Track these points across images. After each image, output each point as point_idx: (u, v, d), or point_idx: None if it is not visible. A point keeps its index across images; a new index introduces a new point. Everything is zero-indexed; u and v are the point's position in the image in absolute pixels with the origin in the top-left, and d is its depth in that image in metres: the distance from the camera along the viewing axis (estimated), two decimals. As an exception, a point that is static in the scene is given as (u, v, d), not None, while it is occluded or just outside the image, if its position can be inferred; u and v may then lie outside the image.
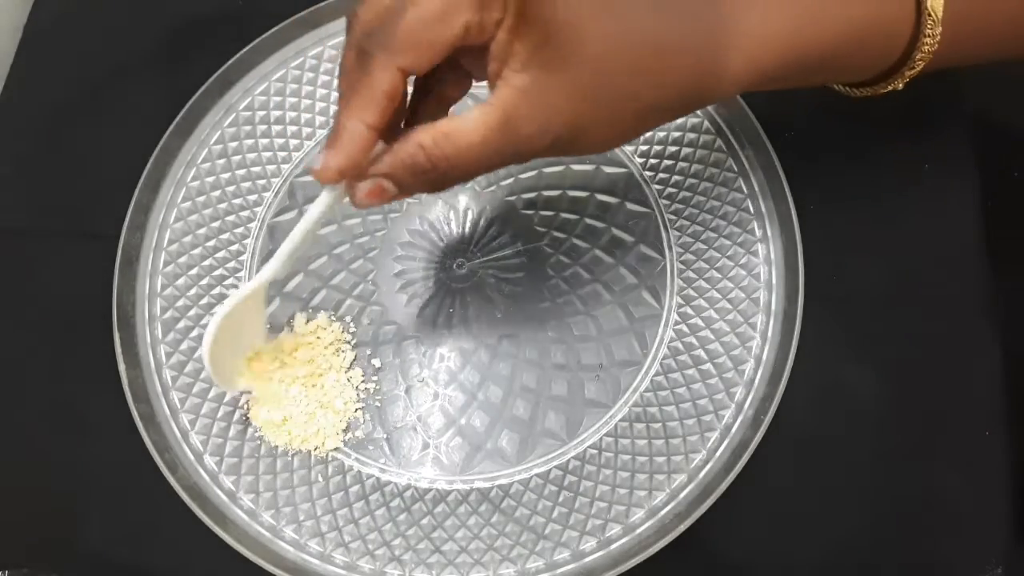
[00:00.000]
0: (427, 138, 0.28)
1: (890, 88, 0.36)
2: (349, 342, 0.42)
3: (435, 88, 0.32)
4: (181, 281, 0.44)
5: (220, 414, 0.42)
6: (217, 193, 0.45)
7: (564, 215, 0.44)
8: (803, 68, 0.33)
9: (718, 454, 0.40)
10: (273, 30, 0.47)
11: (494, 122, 0.28)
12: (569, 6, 0.28)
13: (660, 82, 0.30)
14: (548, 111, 0.28)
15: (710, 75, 0.31)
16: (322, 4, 0.47)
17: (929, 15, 0.33)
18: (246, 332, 0.38)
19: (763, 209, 0.44)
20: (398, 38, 0.26)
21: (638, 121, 0.31)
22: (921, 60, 0.34)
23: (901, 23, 0.33)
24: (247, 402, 0.41)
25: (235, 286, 0.44)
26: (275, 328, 0.42)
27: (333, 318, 0.43)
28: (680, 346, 0.42)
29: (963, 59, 0.36)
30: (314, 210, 0.32)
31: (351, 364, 0.42)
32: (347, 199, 0.31)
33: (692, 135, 0.45)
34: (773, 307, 0.42)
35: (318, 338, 0.42)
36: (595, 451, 0.41)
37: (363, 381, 0.42)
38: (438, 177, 0.29)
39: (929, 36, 0.33)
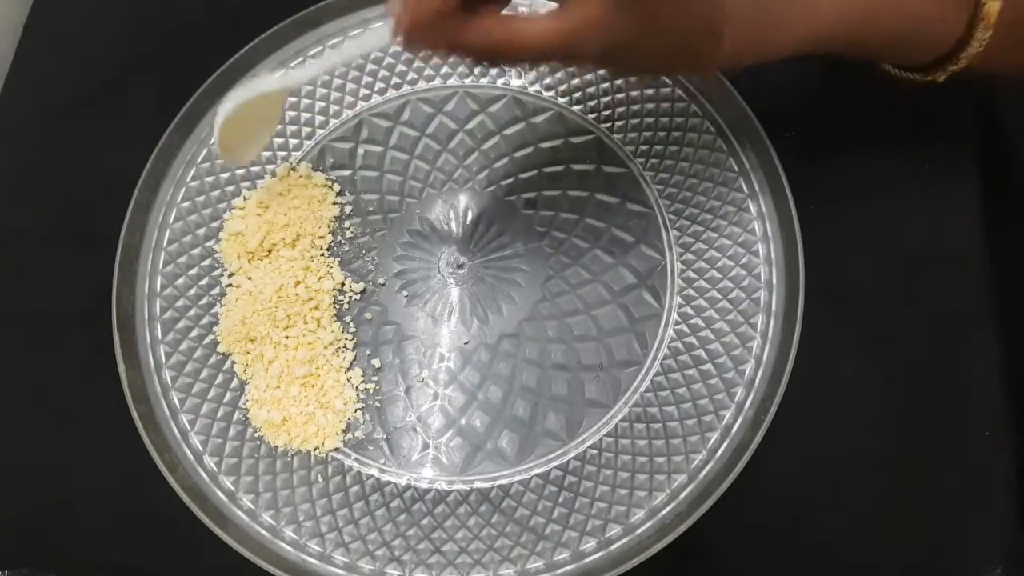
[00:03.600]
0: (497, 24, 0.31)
1: (930, 79, 0.38)
2: (349, 342, 0.42)
3: None
4: (181, 281, 0.44)
5: (220, 414, 0.42)
6: (217, 193, 0.45)
7: (564, 215, 0.44)
8: (854, 44, 0.36)
9: (718, 454, 0.40)
10: (273, 30, 0.47)
11: (560, 33, 0.30)
12: None
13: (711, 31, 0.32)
14: (611, 34, 0.30)
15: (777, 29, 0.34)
16: (322, 4, 0.47)
17: (982, 19, 0.34)
18: (259, 120, 0.42)
19: (763, 209, 0.44)
20: None
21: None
22: (965, 59, 0.36)
23: (955, 23, 0.35)
24: (247, 402, 0.41)
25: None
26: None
27: (333, 318, 0.43)
28: (680, 346, 0.42)
29: (1007, 67, 0.38)
30: (368, 40, 0.35)
31: (351, 364, 0.42)
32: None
33: (692, 135, 0.45)
34: (773, 307, 0.42)
35: (318, 338, 0.42)
36: (595, 451, 0.41)
37: (363, 381, 0.42)
38: (493, 55, 0.31)
39: (978, 39, 0.35)
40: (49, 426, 0.42)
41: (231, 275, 0.43)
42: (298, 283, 0.42)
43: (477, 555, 0.39)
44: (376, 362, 0.42)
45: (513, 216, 0.45)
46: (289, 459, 0.41)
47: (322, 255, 0.44)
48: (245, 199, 0.45)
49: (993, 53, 0.35)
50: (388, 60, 0.47)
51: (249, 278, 0.43)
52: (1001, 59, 0.36)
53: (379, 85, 0.47)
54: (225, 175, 0.46)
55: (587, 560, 0.39)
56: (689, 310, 0.43)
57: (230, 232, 0.44)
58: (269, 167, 0.46)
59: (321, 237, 0.44)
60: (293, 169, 0.45)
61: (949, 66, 0.36)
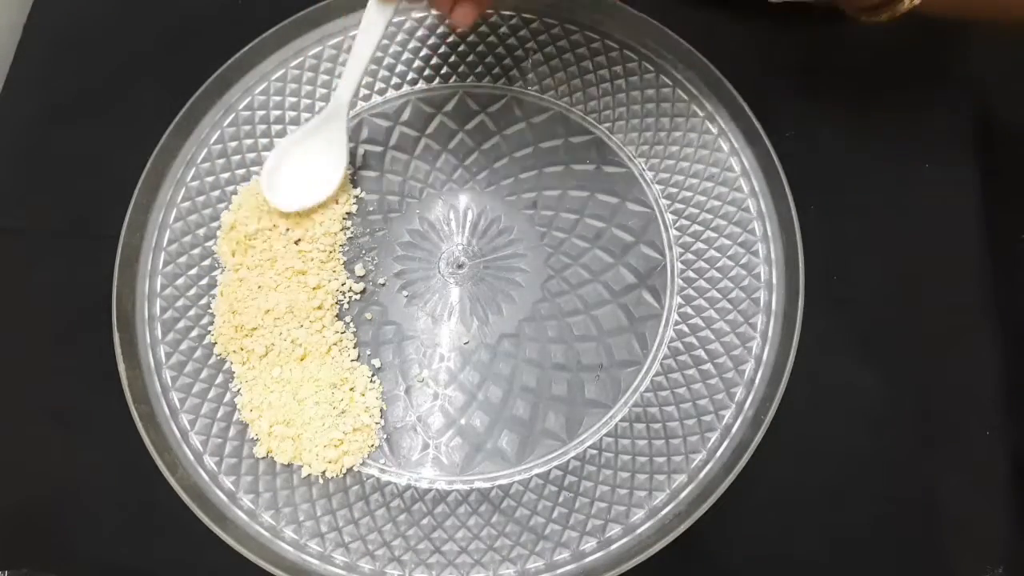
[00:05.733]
0: None
1: (886, 16, 0.36)
2: (349, 342, 0.42)
3: None
4: (181, 281, 0.44)
5: (220, 414, 0.42)
6: (217, 193, 0.45)
7: (564, 215, 0.44)
8: None
9: (718, 454, 0.40)
10: (273, 30, 0.47)
11: None
12: None
13: None
14: None
15: None
16: (322, 4, 0.47)
17: None
18: (322, 159, 0.43)
19: (763, 209, 0.44)
20: None
21: None
22: None
23: None
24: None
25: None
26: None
27: (335, 318, 0.43)
28: (680, 346, 0.42)
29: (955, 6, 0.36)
30: (374, 28, 0.39)
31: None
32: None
33: (692, 135, 0.45)
34: (773, 307, 0.42)
35: (324, 338, 0.42)
36: (595, 451, 0.41)
37: (363, 381, 0.42)
38: None
39: None
40: (49, 426, 0.42)
41: (224, 271, 0.43)
42: (301, 282, 0.42)
43: (477, 555, 0.39)
44: (376, 362, 0.42)
45: (513, 216, 0.45)
46: (289, 459, 0.41)
47: (327, 253, 0.44)
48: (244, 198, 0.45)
49: None
50: (388, 60, 0.47)
51: (238, 271, 0.43)
52: None
53: (379, 85, 0.47)
54: (225, 175, 0.46)
55: (587, 560, 0.39)
56: (689, 310, 0.43)
57: (225, 228, 0.44)
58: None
59: (323, 236, 0.44)
60: None
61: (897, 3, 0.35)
